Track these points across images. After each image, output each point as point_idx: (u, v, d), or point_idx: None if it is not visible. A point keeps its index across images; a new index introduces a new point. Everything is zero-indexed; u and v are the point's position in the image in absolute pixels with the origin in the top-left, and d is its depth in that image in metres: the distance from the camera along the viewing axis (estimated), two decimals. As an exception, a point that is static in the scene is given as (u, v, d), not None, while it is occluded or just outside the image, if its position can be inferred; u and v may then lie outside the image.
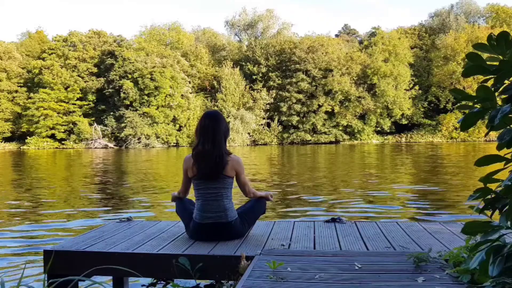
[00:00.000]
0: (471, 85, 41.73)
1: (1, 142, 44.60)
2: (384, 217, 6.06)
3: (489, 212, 1.58)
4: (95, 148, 40.92)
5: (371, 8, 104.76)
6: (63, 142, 43.91)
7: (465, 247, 2.15)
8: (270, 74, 46.31)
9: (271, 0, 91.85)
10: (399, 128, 46.76)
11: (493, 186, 1.55)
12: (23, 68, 46.83)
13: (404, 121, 46.25)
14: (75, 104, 45.17)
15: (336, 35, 58.60)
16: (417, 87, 46.09)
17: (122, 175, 13.91)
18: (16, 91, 45.66)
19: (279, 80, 45.96)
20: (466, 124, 1.49)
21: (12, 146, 44.17)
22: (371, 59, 45.68)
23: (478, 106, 1.47)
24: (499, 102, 1.45)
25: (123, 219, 3.71)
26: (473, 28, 46.99)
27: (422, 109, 46.43)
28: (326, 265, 2.26)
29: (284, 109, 44.89)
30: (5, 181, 12.53)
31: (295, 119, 45.14)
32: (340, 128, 45.47)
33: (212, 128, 2.96)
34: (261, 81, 46.43)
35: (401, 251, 2.58)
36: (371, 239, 2.94)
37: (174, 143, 42.94)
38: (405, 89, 45.69)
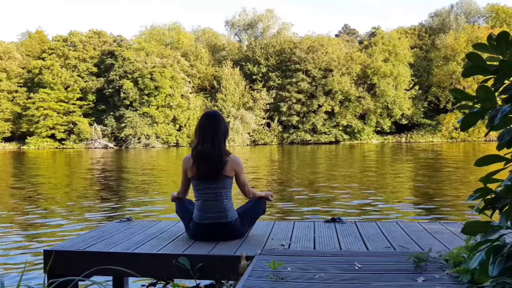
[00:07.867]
0: (471, 85, 41.67)
1: (1, 142, 44.56)
2: (384, 217, 6.06)
3: (489, 212, 1.58)
4: (95, 148, 40.89)
5: (371, 8, 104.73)
6: (63, 142, 43.87)
7: (465, 247, 2.15)
8: (270, 74, 46.26)
9: (271, 0, 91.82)
10: (399, 128, 46.71)
11: (493, 186, 1.55)
12: (23, 68, 46.78)
13: (404, 121, 46.20)
14: (75, 104, 45.12)
15: (336, 35, 58.55)
16: (417, 87, 46.04)
17: (122, 175, 13.91)
18: (16, 91, 45.58)
19: (279, 80, 45.91)
20: (466, 124, 1.49)
21: (12, 146, 44.14)
22: (371, 59, 45.63)
23: (478, 106, 1.46)
24: (499, 102, 1.45)
25: (123, 219, 3.71)
26: (473, 28, 46.94)
27: (422, 109, 46.38)
28: (326, 265, 2.26)
29: (284, 109, 44.84)
30: (5, 181, 12.52)
31: (295, 119, 45.09)
32: (340, 128, 45.42)
33: (212, 128, 2.96)
34: (261, 81, 46.38)
35: (401, 251, 2.58)
36: (371, 239, 2.94)
37: (174, 143, 42.91)
38: (405, 89, 45.64)
